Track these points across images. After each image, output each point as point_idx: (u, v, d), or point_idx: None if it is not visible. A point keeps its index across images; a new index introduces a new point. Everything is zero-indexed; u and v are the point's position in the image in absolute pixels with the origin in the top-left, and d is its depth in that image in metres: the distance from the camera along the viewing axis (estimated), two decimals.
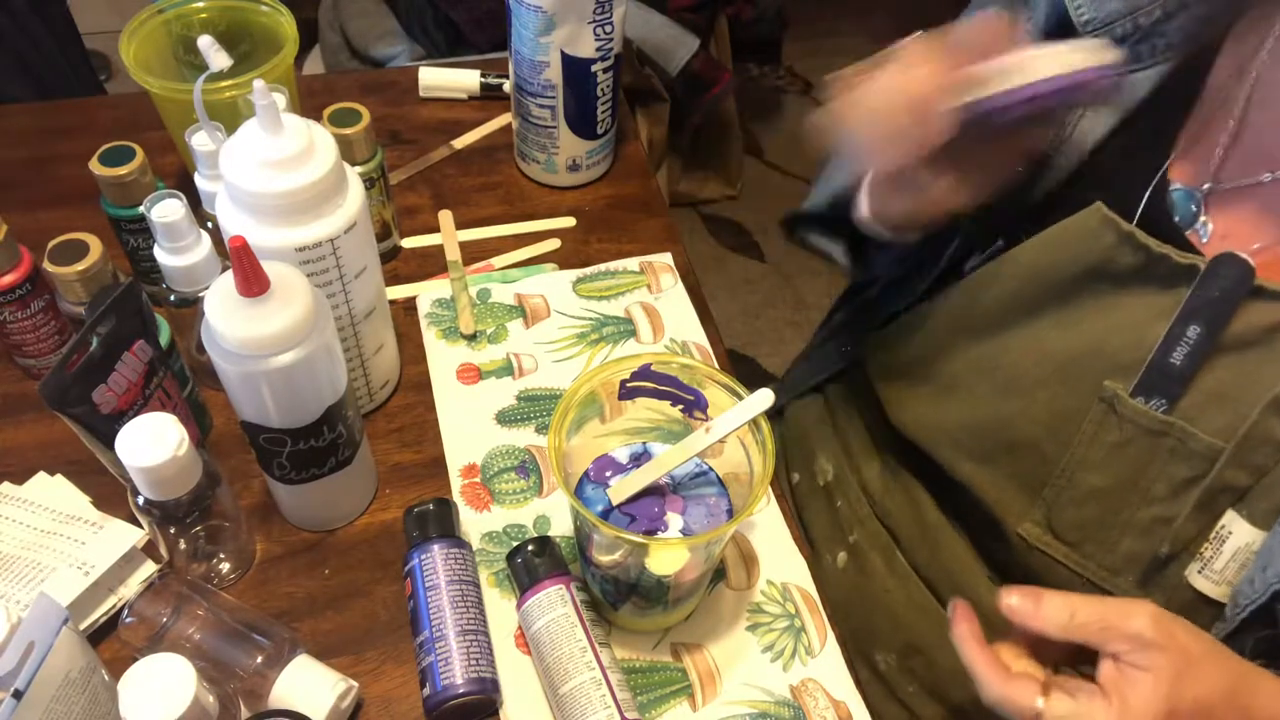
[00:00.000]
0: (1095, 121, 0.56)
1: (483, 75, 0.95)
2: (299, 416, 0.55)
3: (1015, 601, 0.48)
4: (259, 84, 0.53)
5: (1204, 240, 0.54)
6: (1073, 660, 0.50)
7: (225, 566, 0.61)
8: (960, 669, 0.49)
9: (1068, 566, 0.57)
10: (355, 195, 0.59)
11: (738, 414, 0.53)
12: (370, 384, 0.69)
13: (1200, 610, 0.53)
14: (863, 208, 0.62)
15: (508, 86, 0.93)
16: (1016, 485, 0.59)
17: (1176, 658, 0.44)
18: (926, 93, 0.48)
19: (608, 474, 0.59)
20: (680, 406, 0.58)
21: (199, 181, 0.66)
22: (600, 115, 0.84)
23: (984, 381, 0.61)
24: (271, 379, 0.52)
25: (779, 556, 0.65)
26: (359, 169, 0.71)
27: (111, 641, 0.59)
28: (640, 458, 0.60)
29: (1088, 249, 0.54)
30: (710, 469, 0.60)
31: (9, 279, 0.62)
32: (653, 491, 0.58)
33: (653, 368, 0.57)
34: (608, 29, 0.77)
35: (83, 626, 0.57)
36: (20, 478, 0.63)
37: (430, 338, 0.76)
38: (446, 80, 0.96)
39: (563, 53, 0.77)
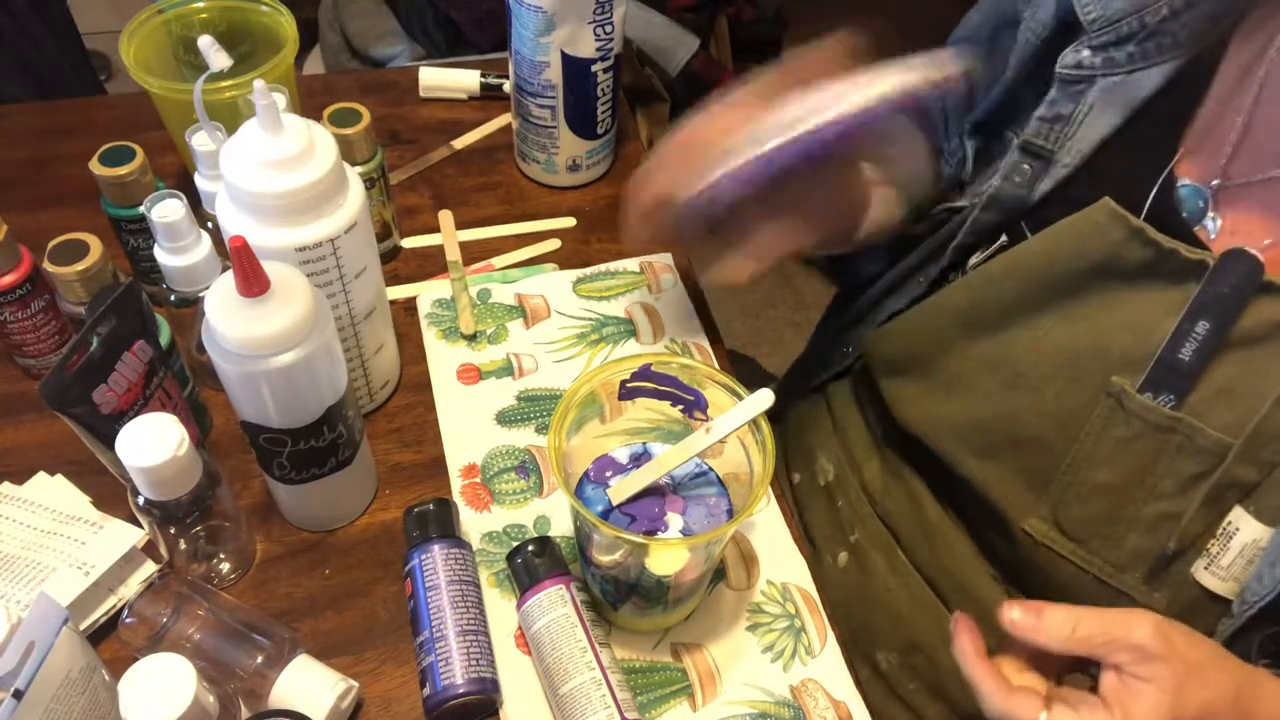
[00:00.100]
0: (1100, 118, 0.56)
1: (483, 75, 0.95)
2: (299, 417, 0.55)
3: (1017, 615, 0.47)
4: (259, 84, 0.53)
5: (1212, 236, 0.54)
6: (1074, 670, 0.50)
7: (225, 566, 0.61)
8: None
9: (1073, 563, 0.57)
10: (355, 195, 0.59)
11: (738, 414, 0.53)
12: (370, 384, 0.69)
13: (1207, 607, 0.53)
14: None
15: (508, 86, 0.93)
16: (1022, 481, 0.59)
17: (1178, 668, 0.44)
18: (712, 138, 0.54)
19: (608, 474, 0.59)
20: (680, 407, 0.58)
21: (199, 181, 0.66)
22: (600, 115, 0.84)
23: (989, 377, 0.60)
24: (271, 379, 0.52)
25: (779, 556, 0.65)
26: (359, 169, 0.71)
27: (111, 641, 0.59)
28: (640, 458, 0.60)
29: (1096, 244, 0.54)
30: (710, 469, 0.60)
31: (9, 279, 0.62)
32: (653, 492, 0.58)
33: (653, 368, 0.57)
34: (608, 29, 0.77)
35: (83, 626, 0.57)
36: (20, 478, 0.63)
37: (430, 338, 0.76)
38: (446, 80, 0.96)
39: (563, 53, 0.77)
